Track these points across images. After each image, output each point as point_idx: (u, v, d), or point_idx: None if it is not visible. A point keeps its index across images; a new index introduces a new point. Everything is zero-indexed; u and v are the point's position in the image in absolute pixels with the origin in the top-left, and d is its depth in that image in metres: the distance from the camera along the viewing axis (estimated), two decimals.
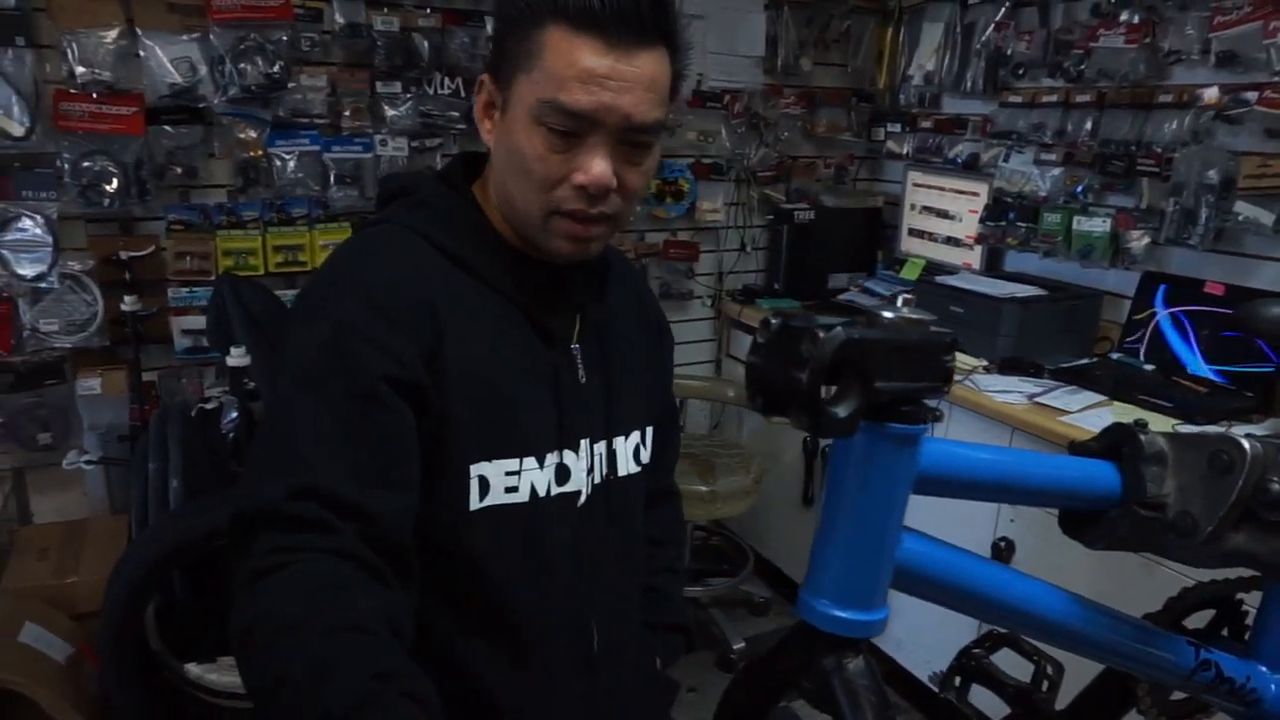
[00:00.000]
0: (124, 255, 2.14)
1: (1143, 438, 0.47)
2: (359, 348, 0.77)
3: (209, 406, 1.93)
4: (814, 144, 3.10)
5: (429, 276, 0.84)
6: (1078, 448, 0.50)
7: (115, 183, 2.08)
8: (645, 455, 1.02)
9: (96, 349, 2.15)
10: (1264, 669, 0.59)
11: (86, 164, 2.06)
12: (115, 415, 2.17)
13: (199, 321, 2.20)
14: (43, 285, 2.06)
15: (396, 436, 0.78)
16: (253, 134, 2.21)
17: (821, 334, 0.38)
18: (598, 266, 0.97)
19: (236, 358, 1.61)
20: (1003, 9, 2.55)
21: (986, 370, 2.24)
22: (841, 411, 0.38)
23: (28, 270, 2.05)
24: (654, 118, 0.82)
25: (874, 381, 0.39)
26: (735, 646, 2.61)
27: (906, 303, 0.41)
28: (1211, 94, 2.07)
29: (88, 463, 2.06)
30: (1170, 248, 2.23)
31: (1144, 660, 0.54)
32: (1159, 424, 1.92)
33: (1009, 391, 2.10)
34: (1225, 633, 0.63)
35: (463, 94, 2.39)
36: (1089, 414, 1.96)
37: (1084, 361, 2.29)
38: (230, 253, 2.24)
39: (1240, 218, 2.03)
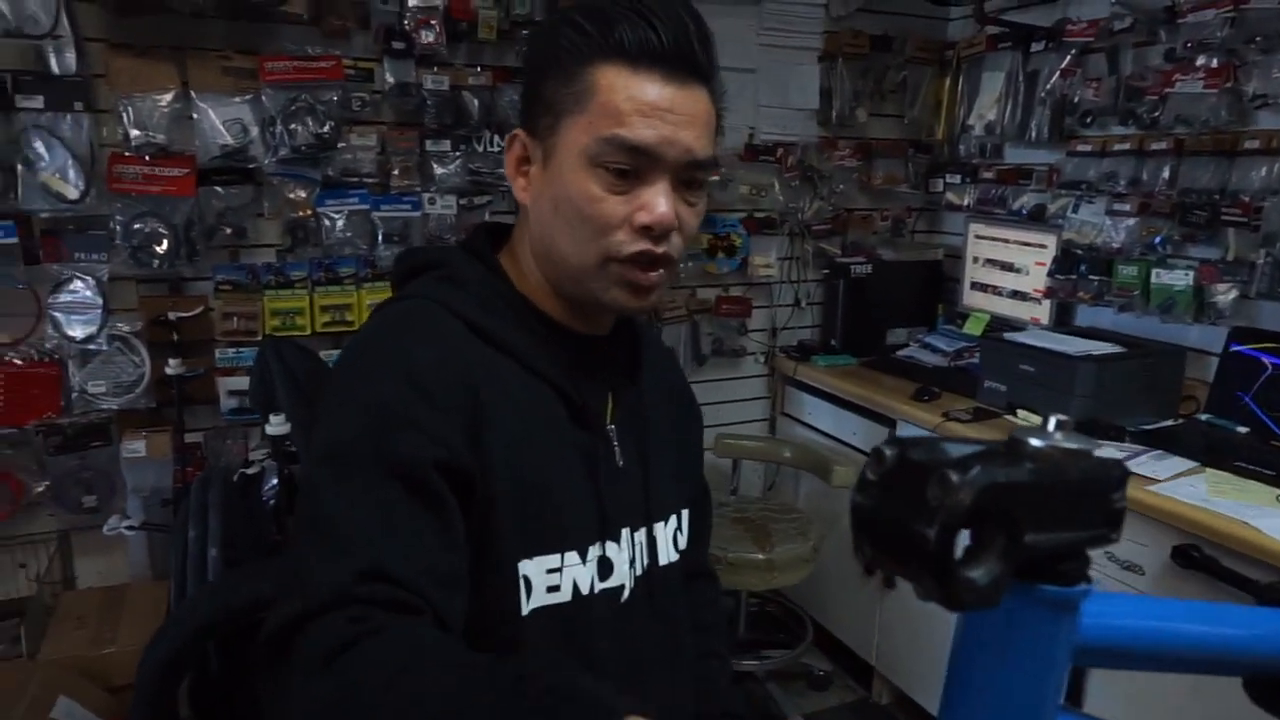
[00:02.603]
0: (172, 316, 2.13)
1: None
2: (404, 433, 0.70)
3: (250, 471, 1.87)
4: (870, 196, 3.01)
5: (467, 356, 0.77)
6: (1271, 592, 0.40)
7: (165, 244, 2.08)
8: (683, 541, 0.95)
9: (143, 410, 2.13)
10: None
11: (138, 225, 2.06)
12: (159, 478, 2.14)
13: (245, 382, 2.17)
14: (92, 347, 2.06)
15: (449, 531, 0.70)
16: (302, 194, 2.20)
17: (955, 476, 0.28)
18: (631, 342, 0.92)
19: (276, 426, 1.55)
20: (1068, 56, 2.46)
21: None
22: (981, 576, 0.29)
23: (78, 332, 2.04)
24: (710, 153, 0.80)
25: (1024, 535, 0.29)
26: None
27: (1061, 426, 0.32)
28: None
29: (129, 528, 2.02)
30: (1261, 301, 2.08)
31: None
32: (1261, 494, 1.76)
33: None
34: None
35: None
36: (1180, 482, 1.81)
37: (1169, 423, 2.14)
38: (277, 313, 2.22)
39: None
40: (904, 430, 2.44)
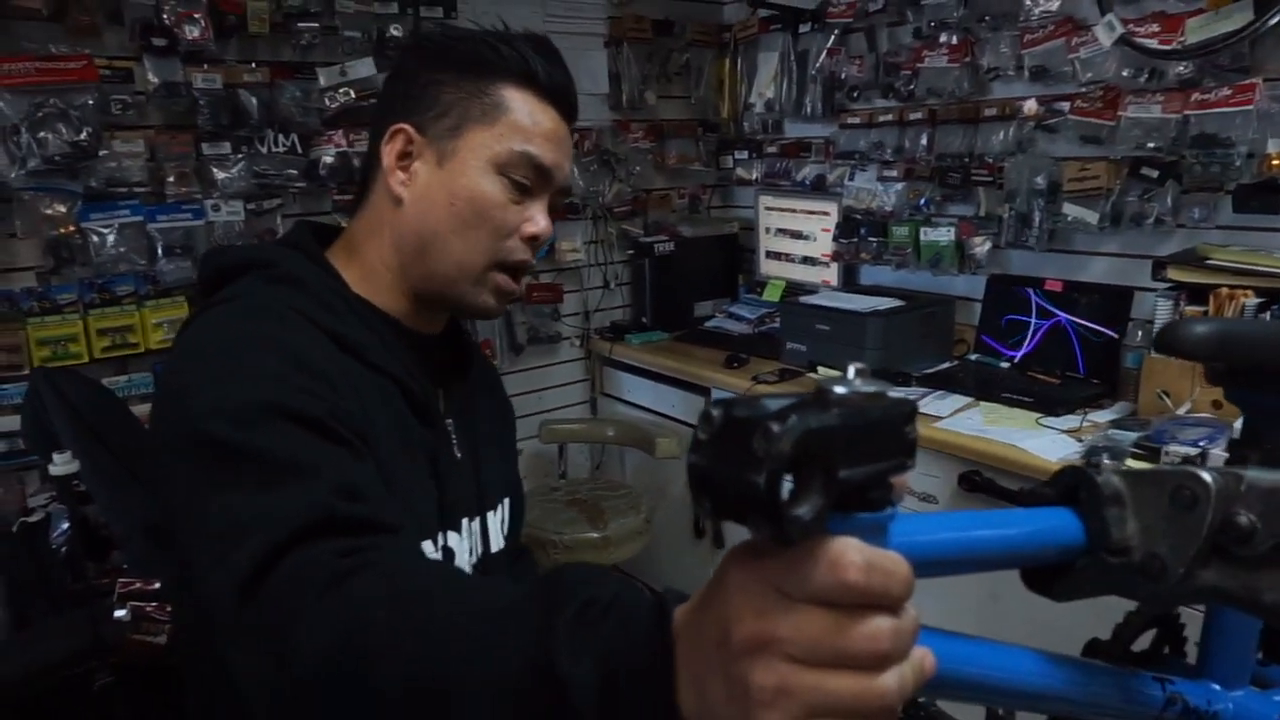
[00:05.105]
0: None
1: (1099, 479, 0.45)
2: (299, 396, 0.67)
3: (33, 519, 1.70)
4: (666, 176, 3.12)
5: (325, 353, 0.76)
6: (1030, 496, 0.47)
7: None
8: (507, 528, 1.01)
9: None
10: (1217, 687, 0.58)
11: None
12: None
13: (13, 422, 1.95)
14: None
15: (370, 470, 0.69)
16: (61, 208, 1.99)
17: (776, 427, 0.32)
18: (458, 340, 0.97)
19: (61, 465, 1.42)
20: (832, 36, 2.65)
21: None
22: (806, 513, 0.33)
23: None
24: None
25: (838, 471, 0.34)
26: None
27: (860, 374, 0.37)
28: (1031, 106, 2.21)
29: None
30: (1010, 251, 2.35)
31: (1125, 712, 0.52)
32: (1025, 419, 2.00)
33: None
34: (1166, 650, 0.63)
35: (299, 150, 2.25)
36: (960, 417, 2.03)
37: (946, 365, 2.39)
38: (46, 341, 2.00)
39: (1069, 218, 2.17)
40: (718, 397, 2.57)
